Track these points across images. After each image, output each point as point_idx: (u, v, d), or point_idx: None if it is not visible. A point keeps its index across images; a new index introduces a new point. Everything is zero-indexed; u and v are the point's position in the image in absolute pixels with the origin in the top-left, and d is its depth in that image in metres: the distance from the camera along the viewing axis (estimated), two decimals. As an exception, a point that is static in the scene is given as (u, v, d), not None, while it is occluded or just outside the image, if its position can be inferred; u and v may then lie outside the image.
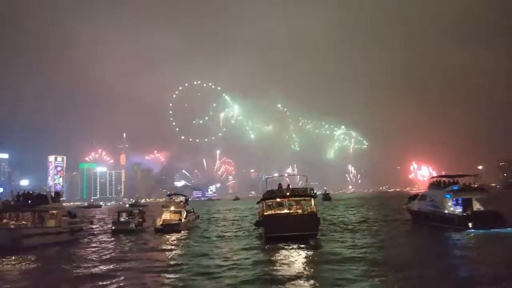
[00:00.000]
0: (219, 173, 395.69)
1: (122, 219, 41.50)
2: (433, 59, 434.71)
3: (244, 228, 39.94)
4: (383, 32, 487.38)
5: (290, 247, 24.38)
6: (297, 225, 26.39)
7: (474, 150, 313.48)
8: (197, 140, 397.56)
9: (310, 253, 23.13)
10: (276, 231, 26.49)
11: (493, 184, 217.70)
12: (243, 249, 25.25)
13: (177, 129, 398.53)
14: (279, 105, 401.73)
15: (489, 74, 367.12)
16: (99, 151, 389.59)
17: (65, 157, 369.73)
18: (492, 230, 28.10)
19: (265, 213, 29.36)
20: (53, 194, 35.56)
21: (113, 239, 35.31)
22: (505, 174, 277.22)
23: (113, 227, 40.21)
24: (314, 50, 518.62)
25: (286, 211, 29.32)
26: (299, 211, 28.93)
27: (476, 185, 33.65)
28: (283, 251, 23.46)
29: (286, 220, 27.38)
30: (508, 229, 27.98)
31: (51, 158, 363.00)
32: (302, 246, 24.61)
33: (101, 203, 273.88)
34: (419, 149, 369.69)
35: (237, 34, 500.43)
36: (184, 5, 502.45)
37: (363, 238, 28.49)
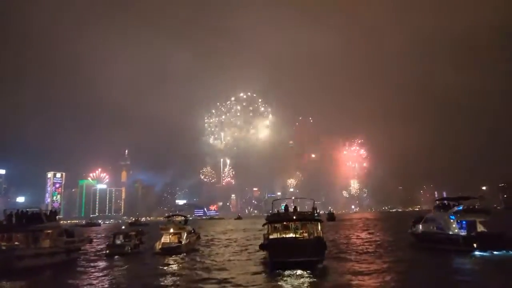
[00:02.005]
0: (223, 183, 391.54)
1: (118, 242, 39.95)
2: (436, 80, 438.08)
3: (248, 251, 39.11)
4: (387, 53, 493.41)
5: (296, 273, 23.75)
6: (304, 250, 25.54)
7: (477, 170, 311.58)
8: (198, 158, 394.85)
9: (316, 282, 22.49)
10: (281, 256, 25.68)
11: (494, 205, 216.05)
12: (246, 274, 24.65)
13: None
14: (284, 123, 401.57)
15: (491, 94, 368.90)
16: (99, 170, 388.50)
17: (64, 174, 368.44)
18: (496, 252, 28.33)
19: (271, 237, 28.69)
20: (48, 213, 34.86)
21: (106, 264, 32.53)
22: (505, 196, 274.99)
23: (107, 251, 38.79)
24: (320, 70, 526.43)
25: (292, 234, 28.63)
26: (306, 235, 28.26)
27: (479, 207, 33.68)
28: (288, 278, 22.80)
29: (292, 244, 26.58)
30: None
31: (50, 174, 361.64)
32: (308, 273, 23.95)
33: (100, 221, 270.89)
34: (421, 169, 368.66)
35: (247, 54, 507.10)
36: (195, 26, 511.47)
37: (369, 263, 27.99)
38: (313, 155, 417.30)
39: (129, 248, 38.54)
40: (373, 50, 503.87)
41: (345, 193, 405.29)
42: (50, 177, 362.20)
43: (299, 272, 23.98)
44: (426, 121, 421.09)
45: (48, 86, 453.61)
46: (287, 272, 23.98)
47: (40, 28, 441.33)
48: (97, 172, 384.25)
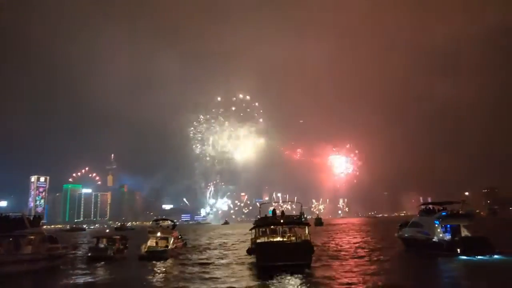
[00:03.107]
0: (211, 188, 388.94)
1: (101, 245, 39.20)
2: (418, 88, 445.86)
3: (235, 255, 38.88)
4: (378, 61, 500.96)
5: (283, 277, 23.71)
6: (291, 254, 25.59)
7: (460, 176, 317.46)
8: (184, 163, 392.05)
9: (303, 286, 22.46)
10: (269, 260, 25.62)
11: (477, 211, 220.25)
12: (233, 280, 24.46)
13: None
14: (268, 131, 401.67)
15: (471, 105, 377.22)
16: (86, 168, 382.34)
17: (48, 178, 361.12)
18: (480, 257, 28.79)
19: (258, 241, 28.56)
20: (32, 218, 34.05)
21: (88, 271, 31.11)
22: (488, 201, 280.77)
23: (89, 254, 37.99)
24: (310, 77, 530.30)
25: (279, 238, 28.59)
26: (293, 238, 28.26)
27: (463, 212, 34.26)
28: (276, 282, 22.74)
29: (279, 248, 26.57)
30: (495, 256, 28.81)
31: (34, 178, 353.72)
32: (295, 276, 23.93)
33: (85, 226, 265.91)
34: (406, 175, 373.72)
35: (236, 58, 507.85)
36: (184, 28, 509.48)
37: (357, 267, 28.18)
38: (300, 160, 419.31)
39: (112, 252, 37.75)
40: (360, 58, 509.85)
41: (332, 199, 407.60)
42: (33, 181, 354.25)
43: (286, 276, 23.97)
44: (411, 128, 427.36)
45: (32, 89, 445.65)
46: (274, 276, 23.93)
47: (25, 30, 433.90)
48: (83, 171, 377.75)
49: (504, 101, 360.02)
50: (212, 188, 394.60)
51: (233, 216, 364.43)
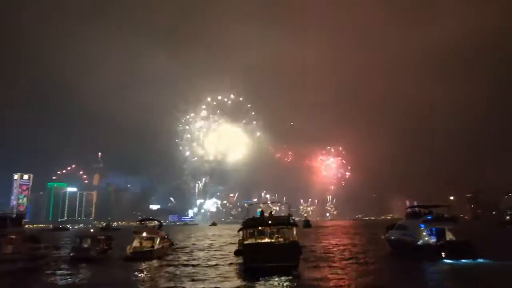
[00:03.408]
0: (199, 189, 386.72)
1: (84, 245, 38.18)
2: (410, 93, 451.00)
3: (223, 257, 38.63)
4: (366, 61, 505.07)
5: (271, 279, 23.60)
6: (279, 255, 25.46)
7: (445, 181, 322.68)
8: (173, 163, 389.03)
9: (291, 285, 22.44)
10: (257, 261, 25.46)
11: (462, 215, 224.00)
12: (220, 281, 24.27)
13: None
14: (259, 132, 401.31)
15: (459, 109, 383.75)
16: (73, 166, 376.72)
17: (32, 176, 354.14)
18: (464, 260, 29.11)
19: (246, 242, 28.42)
20: (14, 216, 33.31)
21: (70, 272, 30.35)
22: (472, 205, 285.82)
23: (71, 254, 36.91)
24: (298, 78, 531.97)
25: (267, 239, 28.50)
26: (281, 239, 28.19)
27: (448, 216, 34.79)
28: (263, 284, 22.64)
29: (267, 249, 26.42)
30: (479, 260, 29.14)
31: (17, 176, 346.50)
32: (283, 278, 23.86)
33: (69, 225, 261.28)
34: (394, 179, 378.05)
35: (227, 59, 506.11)
36: (174, 28, 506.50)
37: (344, 269, 28.37)
38: (290, 162, 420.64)
39: (96, 253, 36.93)
40: (351, 60, 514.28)
41: (320, 201, 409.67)
42: (16, 179, 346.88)
43: (274, 277, 23.88)
44: (399, 133, 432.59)
45: (17, 86, 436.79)
46: (262, 278, 23.81)
47: (14, 29, 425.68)
48: (69, 168, 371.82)
49: (491, 106, 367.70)
50: (200, 189, 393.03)
51: (222, 218, 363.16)
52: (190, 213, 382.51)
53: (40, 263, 32.64)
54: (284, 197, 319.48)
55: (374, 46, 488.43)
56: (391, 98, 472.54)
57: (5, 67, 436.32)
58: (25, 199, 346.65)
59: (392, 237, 38.52)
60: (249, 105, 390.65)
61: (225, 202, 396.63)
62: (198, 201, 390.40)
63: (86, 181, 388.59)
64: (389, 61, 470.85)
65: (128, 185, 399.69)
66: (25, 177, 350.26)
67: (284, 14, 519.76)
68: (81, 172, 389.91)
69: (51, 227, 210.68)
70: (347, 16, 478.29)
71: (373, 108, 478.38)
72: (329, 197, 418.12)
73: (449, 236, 32.75)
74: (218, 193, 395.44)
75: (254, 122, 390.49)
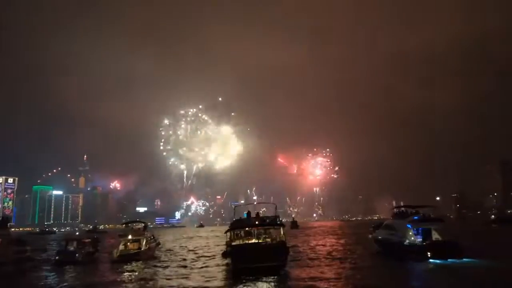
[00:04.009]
0: (186, 191, 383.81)
1: (70, 248, 37.49)
2: (394, 94, 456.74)
3: (210, 258, 38.45)
4: (353, 66, 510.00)
5: (259, 279, 23.56)
6: (266, 256, 25.42)
7: (431, 181, 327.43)
8: (159, 165, 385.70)
9: (278, 285, 22.43)
10: (244, 262, 25.39)
11: (448, 214, 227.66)
12: (208, 282, 24.17)
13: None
14: (249, 129, 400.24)
15: (445, 111, 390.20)
16: (59, 169, 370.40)
17: (17, 179, 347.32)
18: (450, 260, 29.40)
19: (233, 243, 28.36)
20: (-1, 219, 32.72)
21: (56, 275, 29.77)
22: (457, 205, 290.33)
23: (56, 257, 36.16)
24: (287, 81, 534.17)
25: (254, 240, 28.47)
26: (268, 240, 28.21)
27: (434, 216, 35.17)
28: (251, 284, 22.59)
29: (255, 250, 26.36)
30: (465, 259, 29.47)
31: (1, 179, 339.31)
32: (271, 278, 23.85)
33: (55, 229, 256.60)
34: (380, 180, 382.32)
35: (213, 60, 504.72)
36: (160, 29, 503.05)
37: (331, 269, 28.59)
38: (277, 164, 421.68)
39: (82, 256, 36.40)
40: (342, 65, 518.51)
41: (307, 202, 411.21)
42: (1, 182, 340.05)
43: (262, 278, 23.85)
44: (385, 135, 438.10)
45: (1, 87, 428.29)
46: (249, 279, 23.77)
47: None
48: (55, 171, 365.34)
49: (479, 107, 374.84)
50: (187, 191, 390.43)
51: (209, 220, 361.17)
52: (177, 215, 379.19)
53: (26, 266, 32.07)
54: (272, 198, 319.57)
55: (363, 47, 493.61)
56: (377, 99, 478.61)
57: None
58: (10, 203, 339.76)
59: (379, 237, 38.82)
60: (236, 108, 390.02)
61: (212, 203, 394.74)
62: (185, 203, 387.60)
63: (74, 184, 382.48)
64: (376, 63, 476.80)
65: (114, 188, 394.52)
66: (10, 180, 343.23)
67: (276, 13, 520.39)
68: (69, 175, 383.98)
69: (37, 230, 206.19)
70: (335, 16, 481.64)
71: (360, 110, 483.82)
72: (316, 198, 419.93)
73: (435, 236, 32.96)
74: (205, 195, 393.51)
75: (240, 124, 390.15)
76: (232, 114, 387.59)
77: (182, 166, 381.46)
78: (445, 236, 32.80)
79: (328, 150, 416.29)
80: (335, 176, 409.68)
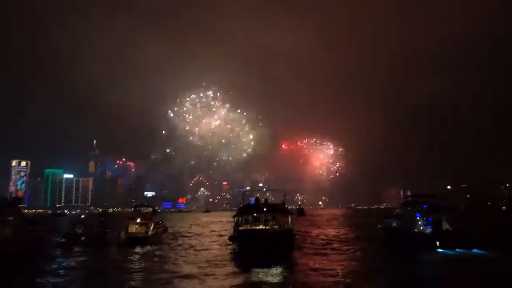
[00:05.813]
0: (191, 182, 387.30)
1: (78, 231, 38.04)
2: (403, 85, 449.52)
3: (216, 243, 38.59)
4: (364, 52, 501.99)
5: (266, 265, 23.39)
6: (274, 242, 25.36)
7: (442, 171, 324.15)
8: (168, 151, 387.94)
9: (285, 274, 22.30)
10: (251, 247, 25.39)
11: (457, 205, 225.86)
12: (214, 267, 24.15)
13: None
14: (259, 117, 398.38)
15: (454, 103, 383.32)
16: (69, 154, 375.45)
17: (29, 162, 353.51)
18: (459, 250, 29.08)
19: (240, 228, 28.33)
20: (10, 199, 33.24)
21: (66, 255, 30.75)
22: (468, 196, 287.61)
23: (63, 239, 36.79)
24: (299, 68, 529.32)
25: (262, 226, 28.41)
26: (276, 227, 28.11)
27: (444, 205, 34.67)
28: (258, 270, 22.45)
29: (261, 236, 26.31)
30: (474, 250, 29.12)
31: (14, 162, 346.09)
32: (277, 265, 23.71)
33: (66, 211, 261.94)
34: (388, 168, 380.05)
35: (227, 45, 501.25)
36: (170, 15, 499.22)
37: (339, 256, 28.46)
38: (285, 151, 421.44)
39: (90, 238, 36.95)
40: (356, 52, 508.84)
41: (314, 190, 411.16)
42: (14, 165, 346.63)
43: (268, 264, 23.73)
44: (395, 124, 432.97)
45: (14, 72, 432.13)
46: (256, 264, 23.64)
47: (7, 17, 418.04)
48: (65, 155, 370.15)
49: (486, 100, 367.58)
50: (194, 177, 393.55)
51: (215, 204, 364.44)
52: (184, 200, 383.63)
53: (39, 245, 32.69)
54: (278, 187, 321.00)
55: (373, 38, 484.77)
56: (385, 88, 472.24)
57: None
58: (23, 185, 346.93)
59: (388, 226, 38.51)
60: (241, 95, 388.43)
61: (219, 189, 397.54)
62: (192, 188, 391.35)
63: (82, 168, 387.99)
64: (387, 54, 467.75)
65: (123, 172, 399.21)
66: (23, 163, 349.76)
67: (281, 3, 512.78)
68: (80, 159, 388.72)
69: (49, 212, 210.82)
70: (345, 5, 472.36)
71: (369, 99, 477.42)
72: (322, 186, 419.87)
73: (445, 226, 32.55)
74: (212, 181, 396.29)
75: (249, 111, 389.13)
76: (244, 101, 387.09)
77: (190, 152, 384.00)
78: (454, 226, 32.46)
79: (335, 138, 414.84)
80: (341, 165, 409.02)
